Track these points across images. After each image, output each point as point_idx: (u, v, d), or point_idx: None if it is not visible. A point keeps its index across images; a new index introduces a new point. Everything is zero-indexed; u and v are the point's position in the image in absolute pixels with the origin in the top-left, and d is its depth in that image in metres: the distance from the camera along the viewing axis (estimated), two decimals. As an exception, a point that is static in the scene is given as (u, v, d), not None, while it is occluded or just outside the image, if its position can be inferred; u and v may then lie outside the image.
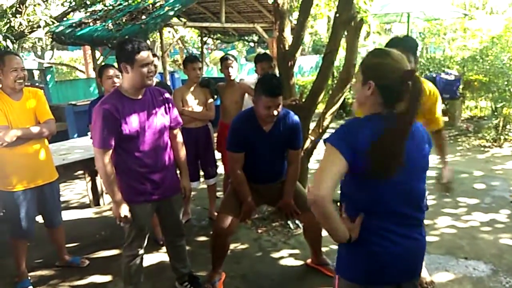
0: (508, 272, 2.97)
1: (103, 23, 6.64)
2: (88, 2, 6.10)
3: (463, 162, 5.78)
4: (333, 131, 1.55)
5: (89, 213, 4.55)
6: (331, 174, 1.42)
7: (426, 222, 2.87)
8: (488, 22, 8.03)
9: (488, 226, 3.72)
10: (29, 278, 3.11)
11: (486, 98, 7.57)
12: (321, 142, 3.16)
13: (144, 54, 2.26)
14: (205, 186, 4.23)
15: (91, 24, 6.85)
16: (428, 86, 2.49)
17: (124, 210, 2.38)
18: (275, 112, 2.63)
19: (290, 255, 3.38)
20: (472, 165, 5.56)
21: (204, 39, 10.91)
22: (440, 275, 2.99)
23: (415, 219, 1.59)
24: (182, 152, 2.72)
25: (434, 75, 7.54)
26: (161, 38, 7.29)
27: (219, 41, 13.27)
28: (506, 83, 6.34)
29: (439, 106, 2.54)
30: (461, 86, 7.59)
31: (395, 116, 1.48)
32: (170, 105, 2.56)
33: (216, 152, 4.20)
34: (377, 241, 1.53)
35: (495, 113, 6.84)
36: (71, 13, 7.72)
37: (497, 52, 6.99)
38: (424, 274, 2.89)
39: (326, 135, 1.53)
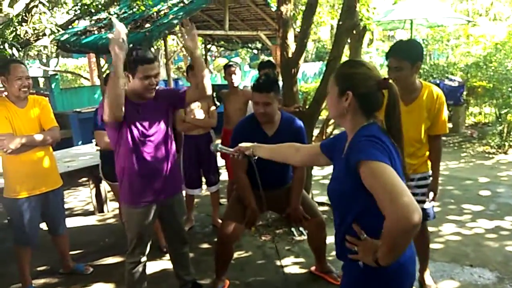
0: (514, 280, 2.95)
1: (108, 31, 6.69)
2: (93, 10, 6.14)
3: (467, 168, 5.75)
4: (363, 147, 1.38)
5: (93, 220, 4.56)
6: (407, 190, 1.24)
7: (430, 229, 2.87)
8: (492, 28, 8.02)
9: (494, 233, 3.69)
10: (33, 285, 3.11)
11: (490, 104, 7.55)
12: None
13: (148, 67, 2.28)
14: (208, 193, 4.22)
15: (96, 32, 6.90)
16: (434, 90, 2.49)
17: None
18: (262, 110, 2.67)
19: (294, 262, 3.37)
20: (476, 172, 5.53)
21: (208, 46, 10.98)
22: (445, 283, 2.96)
23: None
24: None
25: (438, 82, 7.52)
26: (165, 46, 7.34)
27: (222, 48, 13.33)
28: (510, 89, 6.33)
29: (445, 111, 2.53)
30: (465, 93, 7.59)
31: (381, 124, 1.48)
32: (171, 91, 2.64)
33: (219, 159, 4.20)
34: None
35: (500, 119, 6.82)
36: (76, 21, 7.78)
37: (501, 58, 6.98)
38: (429, 281, 2.87)
39: (358, 154, 1.36)
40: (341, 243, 1.53)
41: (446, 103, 2.58)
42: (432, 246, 2.97)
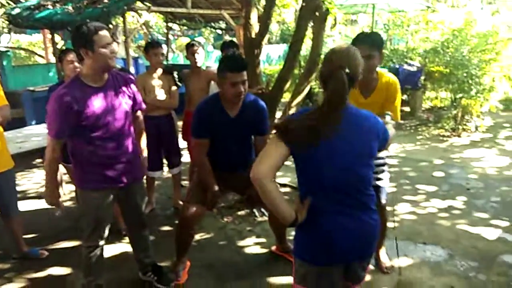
0: (463, 256, 3.11)
1: (63, 6, 6.37)
2: (47, -17, 5.83)
3: (423, 150, 5.97)
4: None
5: (48, 203, 4.39)
6: (271, 158, 1.58)
7: (387, 208, 2.96)
8: (450, 15, 8.24)
9: (446, 213, 3.87)
10: (-16, 271, 2.99)
11: (446, 89, 7.81)
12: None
13: (103, 34, 2.18)
14: (170, 175, 4.17)
15: (50, 7, 6.54)
16: (390, 78, 2.55)
17: (57, 196, 2.39)
18: (242, 89, 2.58)
19: (255, 243, 3.40)
20: (431, 154, 5.75)
21: (170, 24, 10.72)
22: (400, 260, 3.09)
23: (360, 202, 1.68)
24: (142, 137, 2.70)
25: (397, 66, 7.71)
26: (124, 23, 7.08)
27: (185, 27, 13.04)
28: (465, 75, 6.56)
29: (399, 99, 2.58)
30: (422, 77, 7.81)
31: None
32: (134, 88, 2.50)
33: (181, 141, 4.14)
34: (324, 220, 1.63)
35: (454, 104, 7.09)
36: (29, -6, 7.34)
37: (457, 44, 7.20)
38: (384, 259, 2.98)
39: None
40: None
41: (404, 87, 2.64)
42: (387, 224, 3.07)
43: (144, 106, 2.63)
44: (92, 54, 2.17)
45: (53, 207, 2.45)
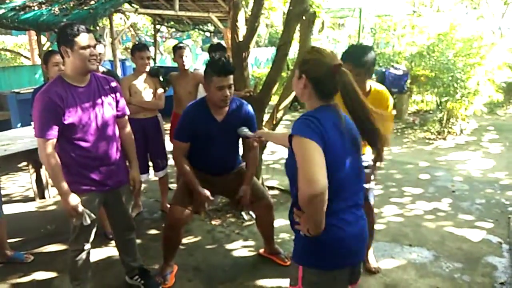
0: (448, 258, 3.15)
1: (49, 7, 6.31)
2: (32, -16, 5.78)
3: (409, 153, 6.04)
4: (290, 123, 1.61)
5: (33, 206, 4.34)
6: (320, 163, 1.42)
7: (374, 210, 2.98)
8: (435, 19, 8.35)
9: (431, 214, 3.92)
10: (-34, 276, 2.93)
11: (432, 92, 7.91)
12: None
13: (84, 36, 2.17)
14: (157, 178, 4.14)
15: (36, 8, 6.48)
16: (382, 94, 2.56)
17: (74, 200, 2.26)
18: (228, 93, 2.58)
19: (243, 246, 3.40)
20: (417, 157, 5.82)
21: (158, 27, 10.66)
22: (386, 262, 3.11)
23: (361, 199, 1.70)
24: (131, 142, 2.64)
25: (384, 70, 7.79)
26: (111, 25, 7.02)
27: (173, 29, 12.99)
28: (450, 78, 6.66)
29: (392, 120, 2.60)
30: (408, 81, 7.90)
31: (335, 107, 1.61)
32: (118, 94, 2.48)
33: (168, 143, 4.11)
34: (338, 224, 1.59)
35: (440, 107, 7.18)
36: (14, -5, 7.25)
37: (443, 48, 7.30)
38: (371, 260, 3.01)
39: (292, 130, 1.54)
40: (290, 213, 1.69)
41: (391, 91, 2.67)
42: (374, 226, 3.10)
43: (127, 111, 2.59)
44: (71, 53, 2.17)
45: (75, 216, 2.30)
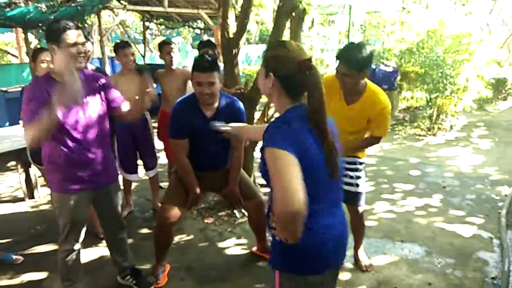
0: (440, 253, 3.17)
1: (36, 4, 6.21)
2: (19, -19, 5.68)
3: (399, 150, 6.07)
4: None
5: (23, 206, 4.28)
6: (298, 178, 1.32)
7: (365, 207, 2.99)
8: (424, 16, 8.40)
9: (423, 210, 3.94)
10: (-46, 278, 2.88)
11: (422, 89, 7.97)
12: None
13: (72, 33, 2.12)
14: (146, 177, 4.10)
15: (22, 4, 6.36)
16: (377, 95, 2.55)
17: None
18: (208, 91, 2.56)
19: (236, 244, 3.39)
20: (408, 153, 5.86)
21: (147, 23, 10.58)
22: (378, 258, 3.12)
23: (340, 201, 1.64)
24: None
25: (374, 67, 7.82)
26: (99, 22, 6.97)
27: (163, 26, 12.90)
28: (440, 75, 6.71)
29: (387, 117, 2.58)
30: (398, 78, 7.94)
31: (303, 107, 1.48)
32: (109, 88, 2.43)
33: (157, 141, 4.08)
34: (317, 229, 1.51)
35: (430, 104, 7.24)
36: (0, -8, 7.12)
37: (432, 45, 7.34)
38: (363, 257, 3.02)
39: (264, 141, 1.46)
40: (267, 219, 1.60)
41: (381, 87, 2.67)
42: (366, 223, 3.11)
43: (123, 101, 2.51)
44: (58, 51, 2.13)
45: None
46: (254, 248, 3.23)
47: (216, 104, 2.71)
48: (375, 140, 2.71)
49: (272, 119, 3.90)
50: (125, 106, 2.49)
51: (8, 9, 6.28)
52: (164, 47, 3.84)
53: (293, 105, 1.51)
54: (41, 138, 2.12)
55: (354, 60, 2.36)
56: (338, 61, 2.44)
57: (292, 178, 1.31)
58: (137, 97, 2.40)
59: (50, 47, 2.15)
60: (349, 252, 3.16)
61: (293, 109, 1.50)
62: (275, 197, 1.32)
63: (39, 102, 2.10)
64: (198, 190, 2.76)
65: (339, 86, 2.53)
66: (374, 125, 2.61)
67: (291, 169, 1.33)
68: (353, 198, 2.74)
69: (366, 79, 2.56)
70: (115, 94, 2.47)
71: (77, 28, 2.18)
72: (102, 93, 2.39)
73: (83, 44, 2.20)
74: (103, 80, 2.42)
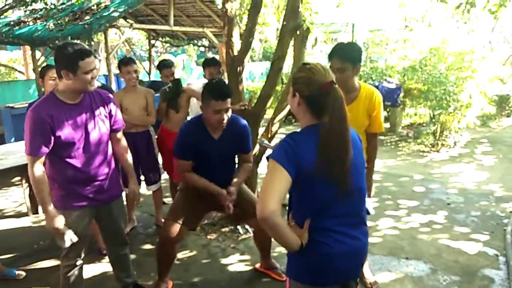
0: (446, 271, 3.14)
1: (44, 23, 6.35)
2: (28, 0, 5.81)
3: (403, 166, 6.06)
4: (280, 139, 1.59)
5: (26, 222, 4.29)
6: (278, 190, 1.47)
7: (369, 224, 2.97)
8: (427, 34, 8.50)
9: (427, 227, 3.91)
10: (-43, 294, 2.88)
11: (425, 105, 7.98)
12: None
13: (89, 60, 2.14)
14: (150, 192, 4.11)
15: (31, 23, 6.52)
16: (372, 91, 2.60)
17: (58, 222, 2.22)
18: (226, 117, 2.60)
19: (239, 260, 3.37)
20: (411, 169, 5.84)
21: (153, 42, 10.72)
22: (383, 275, 3.09)
23: (358, 218, 1.67)
24: (127, 155, 2.62)
25: (377, 84, 7.86)
26: (105, 39, 7.06)
27: (168, 44, 13.07)
28: (443, 91, 6.73)
29: (382, 111, 2.66)
30: (401, 94, 7.97)
31: (321, 126, 1.56)
32: (112, 107, 2.45)
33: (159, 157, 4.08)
34: (325, 242, 1.58)
35: (433, 120, 7.24)
36: (9, 11, 7.29)
37: (435, 62, 7.40)
38: (368, 274, 2.99)
39: (269, 152, 1.58)
40: None
41: (384, 104, 2.70)
42: (370, 240, 3.06)
43: (123, 123, 2.57)
44: (73, 77, 2.13)
45: (57, 237, 2.26)
46: (258, 265, 3.21)
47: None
48: (374, 140, 2.74)
49: (276, 135, 3.93)
50: (120, 134, 2.56)
51: (17, 27, 6.42)
52: (165, 69, 3.92)
53: (313, 123, 1.61)
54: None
55: (347, 52, 2.45)
56: (330, 60, 2.49)
57: (273, 188, 1.47)
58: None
59: (64, 73, 2.12)
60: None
61: (311, 127, 1.60)
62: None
63: (40, 135, 2.13)
64: (224, 191, 2.71)
65: None
66: (375, 121, 2.62)
67: (277, 182, 1.49)
68: None
69: (359, 81, 2.62)
70: (118, 116, 2.50)
71: (92, 53, 2.19)
72: (106, 111, 2.41)
73: (95, 68, 2.22)
74: (108, 98, 2.45)
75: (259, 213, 1.45)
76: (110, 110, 2.44)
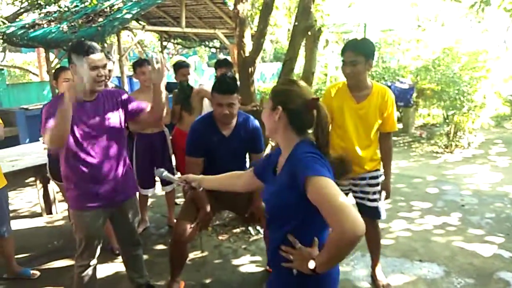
0: (460, 273, 3.10)
1: (58, 25, 6.43)
2: (42, 3, 5.89)
3: (416, 167, 6.00)
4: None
5: (40, 222, 4.35)
6: (349, 202, 1.34)
7: (381, 226, 2.96)
8: (440, 34, 8.41)
9: (441, 229, 3.86)
10: (-27, 292, 2.93)
11: (438, 106, 7.91)
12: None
13: (95, 57, 2.18)
14: (164, 192, 4.13)
15: (45, 25, 6.61)
16: (384, 90, 2.60)
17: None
18: (227, 112, 2.60)
19: (251, 261, 3.37)
20: (425, 170, 5.78)
21: (164, 43, 10.79)
22: (396, 277, 3.07)
23: None
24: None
25: (389, 84, 7.81)
26: (118, 41, 7.13)
27: (180, 46, 13.14)
28: (456, 92, 6.65)
29: (395, 110, 2.65)
30: (414, 95, 7.91)
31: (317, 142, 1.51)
32: (129, 101, 2.45)
33: (173, 157, 4.11)
34: None
35: (447, 121, 7.16)
36: (24, 14, 7.41)
37: (448, 62, 7.32)
38: (380, 277, 2.96)
39: (305, 170, 1.40)
40: (275, 252, 1.55)
41: (397, 104, 2.69)
42: (383, 242, 3.06)
43: (143, 105, 2.51)
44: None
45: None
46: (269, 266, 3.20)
47: (234, 123, 2.75)
48: (389, 140, 2.73)
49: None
50: (147, 106, 2.48)
51: (31, 30, 6.52)
52: (181, 70, 3.95)
53: (300, 140, 1.52)
54: (59, 135, 2.11)
55: (360, 46, 2.49)
56: (344, 54, 2.51)
57: (348, 204, 1.29)
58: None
59: (72, 68, 2.20)
60: (366, 271, 3.11)
61: (304, 142, 1.51)
62: (332, 226, 1.30)
63: None
64: (208, 209, 2.75)
65: (348, 90, 2.59)
66: (388, 120, 2.62)
67: (343, 195, 1.32)
68: (373, 212, 2.74)
69: (372, 81, 2.63)
70: (135, 103, 2.48)
71: (101, 51, 2.23)
72: (121, 109, 2.43)
73: (104, 67, 2.24)
74: (123, 96, 2.46)
75: (355, 231, 1.25)
76: (126, 106, 2.43)
